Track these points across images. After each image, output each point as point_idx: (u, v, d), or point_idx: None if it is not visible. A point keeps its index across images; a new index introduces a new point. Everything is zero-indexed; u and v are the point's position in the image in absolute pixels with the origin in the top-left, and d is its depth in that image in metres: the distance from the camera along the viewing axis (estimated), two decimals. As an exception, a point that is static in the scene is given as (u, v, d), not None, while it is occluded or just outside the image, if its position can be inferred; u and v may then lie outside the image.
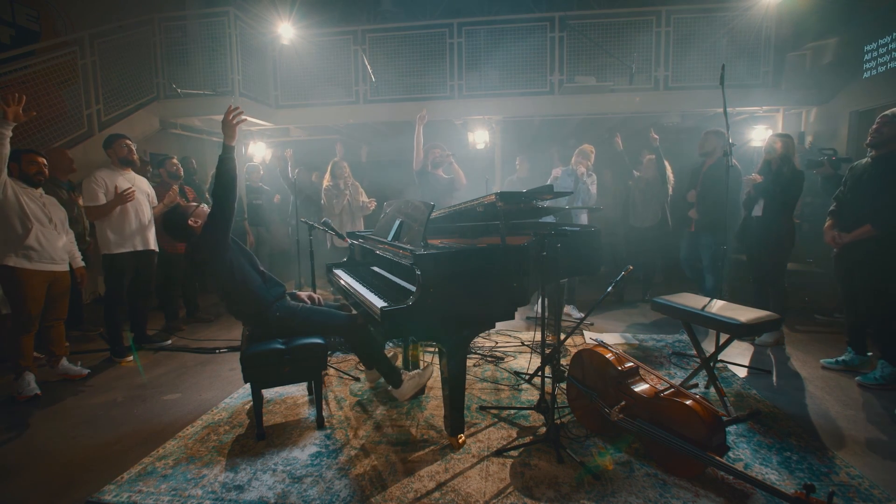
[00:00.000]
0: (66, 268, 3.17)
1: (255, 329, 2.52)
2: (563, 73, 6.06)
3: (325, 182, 4.88)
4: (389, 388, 2.69)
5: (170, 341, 3.99)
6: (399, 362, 3.34)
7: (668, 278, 6.08)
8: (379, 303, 2.28)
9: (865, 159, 3.00)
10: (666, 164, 4.92)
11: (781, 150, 3.50)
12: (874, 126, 2.87)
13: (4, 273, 2.91)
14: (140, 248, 3.63)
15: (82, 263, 3.36)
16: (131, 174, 3.67)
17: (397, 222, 3.00)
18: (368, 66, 6.12)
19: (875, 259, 2.85)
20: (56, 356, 3.21)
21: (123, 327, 3.73)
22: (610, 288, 2.32)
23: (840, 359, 3.16)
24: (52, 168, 3.80)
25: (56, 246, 3.08)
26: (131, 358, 3.59)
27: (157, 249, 3.83)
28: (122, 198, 3.45)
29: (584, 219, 4.51)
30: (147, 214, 3.71)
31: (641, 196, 5.07)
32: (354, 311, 2.77)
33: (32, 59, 4.74)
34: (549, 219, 3.91)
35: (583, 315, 4.59)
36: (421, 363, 3.03)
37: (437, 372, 3.06)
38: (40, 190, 3.09)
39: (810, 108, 5.95)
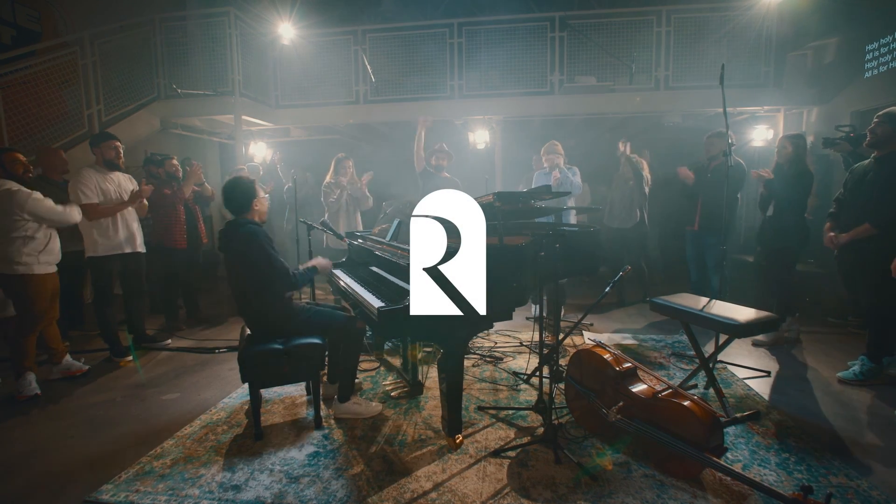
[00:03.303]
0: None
1: (257, 328, 2.52)
2: (564, 72, 6.05)
3: (327, 178, 4.81)
4: (335, 397, 2.62)
5: (169, 341, 3.99)
6: (398, 362, 3.35)
7: (668, 278, 6.07)
8: (376, 303, 2.29)
9: (867, 161, 3.00)
10: (643, 163, 4.91)
11: (791, 152, 3.49)
12: (870, 126, 2.90)
13: (22, 280, 2.89)
14: (128, 250, 3.56)
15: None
16: (116, 174, 3.57)
17: (396, 222, 3.00)
18: (368, 67, 6.12)
19: (875, 258, 2.84)
20: (58, 352, 3.21)
21: (120, 328, 3.73)
22: (608, 289, 2.32)
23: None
24: (46, 168, 3.77)
25: (58, 247, 3.09)
26: (131, 358, 3.60)
27: (145, 251, 3.76)
28: (139, 194, 3.49)
29: (572, 218, 4.47)
30: (134, 216, 3.64)
31: (620, 196, 5.04)
32: (352, 313, 2.77)
33: (33, 60, 4.75)
34: (549, 219, 3.91)
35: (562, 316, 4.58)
36: (419, 363, 3.02)
37: (434, 372, 3.06)
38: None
39: (811, 108, 5.93)
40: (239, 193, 2.52)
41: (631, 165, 4.88)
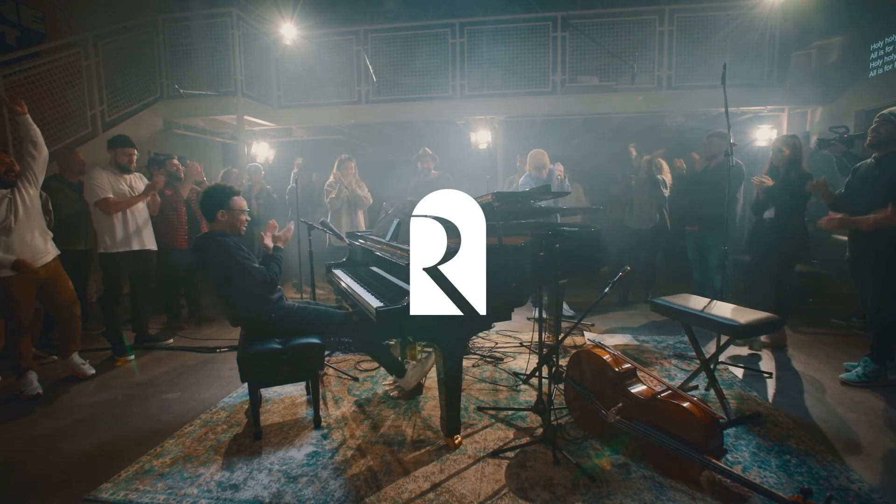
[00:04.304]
0: (50, 259, 3.10)
1: (251, 330, 2.53)
2: (566, 72, 6.04)
3: (330, 178, 4.94)
4: (393, 378, 2.74)
5: (171, 340, 4.01)
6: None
7: (671, 279, 6.04)
8: (375, 303, 2.29)
9: (869, 160, 2.97)
10: (663, 164, 4.87)
11: (789, 154, 3.43)
12: (872, 126, 2.87)
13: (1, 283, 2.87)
14: (136, 247, 3.63)
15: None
16: (128, 175, 3.68)
17: (395, 222, 3.00)
18: (370, 67, 6.12)
19: (884, 257, 2.82)
20: (68, 351, 3.22)
21: (125, 327, 3.76)
22: (607, 289, 2.31)
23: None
24: (63, 169, 3.82)
25: (36, 245, 3.00)
26: (132, 357, 3.61)
27: (156, 248, 3.84)
28: (153, 185, 3.66)
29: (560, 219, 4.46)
30: (144, 213, 3.72)
31: (639, 197, 5.03)
32: (352, 311, 2.78)
33: (37, 60, 4.76)
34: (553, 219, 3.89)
35: (573, 312, 4.59)
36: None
37: (433, 372, 3.06)
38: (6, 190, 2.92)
39: (815, 107, 5.89)
40: (207, 202, 2.52)
41: (646, 170, 4.83)
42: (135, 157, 3.70)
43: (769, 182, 3.39)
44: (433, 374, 3.08)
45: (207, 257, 2.44)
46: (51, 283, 3.10)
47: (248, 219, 2.65)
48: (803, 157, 3.45)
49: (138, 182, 3.74)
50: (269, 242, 2.63)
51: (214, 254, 2.41)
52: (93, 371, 3.31)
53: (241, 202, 2.58)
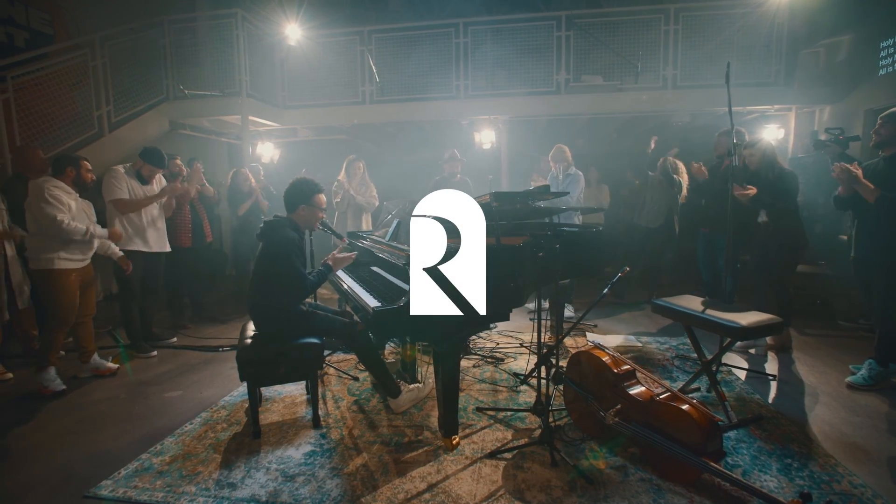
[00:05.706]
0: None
1: (267, 327, 2.53)
2: (570, 72, 6.01)
3: (338, 178, 4.97)
4: (387, 397, 2.66)
5: (174, 339, 4.04)
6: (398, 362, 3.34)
7: (675, 280, 5.99)
8: (373, 302, 2.29)
9: (876, 160, 2.98)
10: (679, 165, 4.79)
11: (760, 159, 3.37)
12: (874, 128, 2.90)
13: (52, 274, 2.96)
14: (144, 248, 3.68)
15: (121, 253, 3.39)
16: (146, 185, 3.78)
17: (395, 222, 3.00)
18: (374, 67, 6.13)
19: (890, 257, 2.79)
20: (87, 352, 3.26)
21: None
22: (606, 290, 2.29)
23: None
24: (24, 167, 3.75)
25: (92, 244, 3.20)
26: (155, 353, 3.67)
27: (168, 249, 3.90)
28: (173, 189, 3.82)
29: (579, 219, 4.42)
30: (155, 216, 3.77)
31: (651, 195, 4.98)
32: (354, 315, 2.77)
33: (45, 62, 4.83)
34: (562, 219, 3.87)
35: (574, 314, 4.56)
36: (418, 363, 3.02)
37: (433, 373, 3.05)
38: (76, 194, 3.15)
39: (823, 106, 5.81)
40: (291, 192, 2.56)
41: (663, 170, 4.77)
42: (159, 176, 3.82)
43: (752, 192, 3.31)
44: (433, 373, 3.07)
45: (270, 241, 2.47)
46: (88, 272, 3.21)
47: (324, 216, 2.69)
48: (777, 157, 3.40)
49: (156, 187, 3.82)
50: (328, 259, 2.67)
51: (277, 242, 2.43)
52: (117, 366, 3.37)
53: (322, 200, 2.62)
